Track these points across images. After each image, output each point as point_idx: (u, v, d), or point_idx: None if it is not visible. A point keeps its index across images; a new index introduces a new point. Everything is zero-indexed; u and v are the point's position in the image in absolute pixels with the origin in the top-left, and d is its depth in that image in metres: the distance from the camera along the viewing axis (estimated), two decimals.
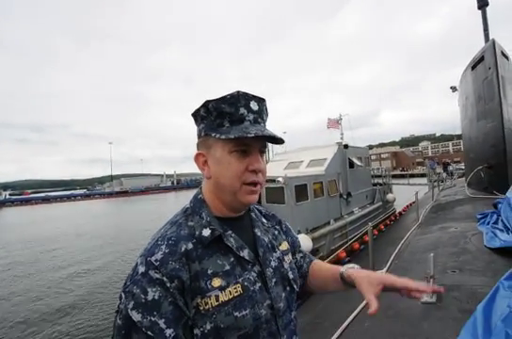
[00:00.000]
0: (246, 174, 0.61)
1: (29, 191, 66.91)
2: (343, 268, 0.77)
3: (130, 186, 53.72)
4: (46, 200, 43.11)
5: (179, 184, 64.22)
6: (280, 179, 5.83)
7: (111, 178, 64.29)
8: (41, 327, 5.32)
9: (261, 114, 0.64)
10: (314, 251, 6.02)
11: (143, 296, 0.51)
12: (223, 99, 0.61)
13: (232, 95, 0.61)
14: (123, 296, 0.54)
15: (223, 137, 0.59)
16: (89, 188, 68.53)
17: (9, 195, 45.82)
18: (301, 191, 6.25)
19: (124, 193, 49.48)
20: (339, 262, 5.83)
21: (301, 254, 0.87)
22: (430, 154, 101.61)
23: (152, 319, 0.50)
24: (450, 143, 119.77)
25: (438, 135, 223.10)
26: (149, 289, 0.52)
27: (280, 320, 0.64)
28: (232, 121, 0.61)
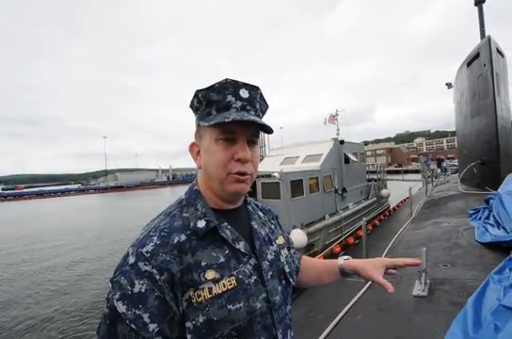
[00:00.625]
0: (231, 163, 0.59)
1: (22, 186, 65.97)
2: (339, 261, 0.81)
3: (125, 181, 53.32)
4: (40, 194, 42.59)
5: (174, 179, 63.99)
6: (276, 174, 5.82)
7: (106, 173, 63.68)
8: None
9: (252, 102, 0.62)
10: (309, 246, 6.08)
11: (130, 287, 0.51)
12: (212, 87, 0.60)
13: (220, 83, 0.60)
14: (111, 286, 0.53)
15: (206, 124, 0.58)
16: (84, 183, 67.89)
17: (2, 190, 45.14)
18: (297, 186, 6.27)
19: (119, 188, 49.09)
20: (333, 256, 5.91)
21: (293, 250, 0.87)
22: (425, 151, 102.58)
23: (137, 312, 0.50)
24: (444, 140, 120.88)
25: (432, 131, 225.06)
26: (136, 281, 0.51)
27: (275, 314, 0.63)
28: (218, 109, 0.60)
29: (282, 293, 0.68)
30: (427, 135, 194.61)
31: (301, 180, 6.42)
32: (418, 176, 20.22)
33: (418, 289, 2.30)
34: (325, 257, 5.02)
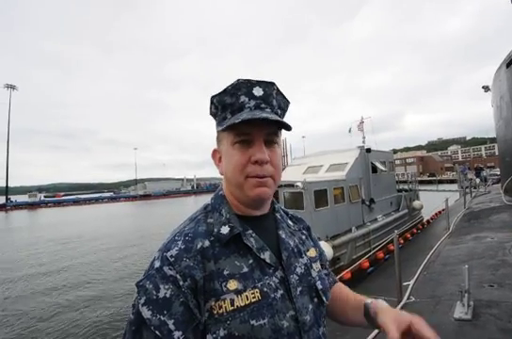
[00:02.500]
0: (249, 167, 0.56)
1: (61, 194, 71.30)
2: (369, 299, 0.69)
3: (152, 190, 55.71)
4: (76, 202, 45.81)
5: (198, 188, 65.54)
6: (299, 183, 5.72)
7: (135, 182, 67.10)
8: None
9: (267, 99, 0.58)
10: (335, 260, 5.81)
11: (155, 292, 0.50)
12: (225, 91, 0.58)
13: (232, 85, 0.58)
14: (136, 290, 0.52)
15: (219, 128, 0.57)
16: (116, 191, 71.91)
17: (44, 197, 49.14)
18: (321, 197, 6.09)
19: (147, 196, 51.44)
20: (362, 271, 5.58)
21: (326, 271, 0.76)
22: (460, 159, 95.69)
23: (162, 318, 0.48)
24: (482, 147, 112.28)
25: (468, 138, 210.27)
26: (161, 286, 0.50)
27: (305, 335, 0.56)
28: (232, 112, 0.58)
29: (314, 312, 0.60)
30: (463, 142, 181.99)
31: (325, 190, 6.24)
32: (454, 186, 18.76)
33: (460, 311, 2.07)
34: (352, 272, 4.75)
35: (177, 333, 0.48)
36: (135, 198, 50.52)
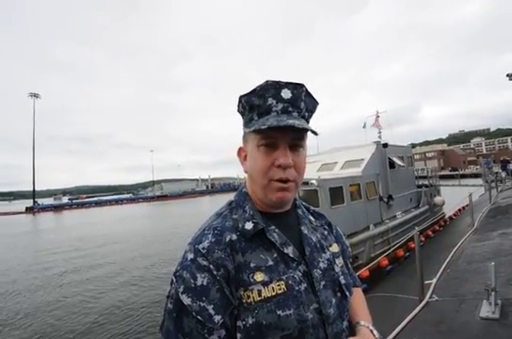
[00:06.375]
0: (273, 170, 0.58)
1: (84, 196, 74.39)
2: (363, 322, 0.67)
3: (169, 191, 57.18)
4: (98, 203, 47.87)
5: (213, 188, 66.44)
6: (314, 181, 5.67)
7: (153, 183, 69.00)
8: None
9: (295, 102, 0.59)
10: (353, 258, 5.72)
11: (193, 280, 0.53)
12: (253, 91, 0.59)
13: (261, 86, 0.58)
14: (174, 280, 0.56)
15: (247, 130, 0.59)
16: (134, 193, 74.29)
17: (68, 199, 51.62)
18: (336, 194, 6.00)
19: (164, 197, 52.88)
20: (380, 270, 5.45)
21: (350, 271, 0.76)
22: (485, 152, 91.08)
23: (202, 304, 0.51)
24: (509, 138, 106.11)
25: (493, 129, 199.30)
26: (198, 275, 0.53)
27: (329, 328, 0.58)
28: (259, 114, 0.59)
29: (337, 306, 0.62)
30: (487, 134, 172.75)
31: (341, 187, 6.14)
32: (478, 181, 17.89)
33: (487, 310, 1.99)
34: (370, 271, 4.66)
35: (217, 317, 0.51)
36: (152, 198, 52.06)
